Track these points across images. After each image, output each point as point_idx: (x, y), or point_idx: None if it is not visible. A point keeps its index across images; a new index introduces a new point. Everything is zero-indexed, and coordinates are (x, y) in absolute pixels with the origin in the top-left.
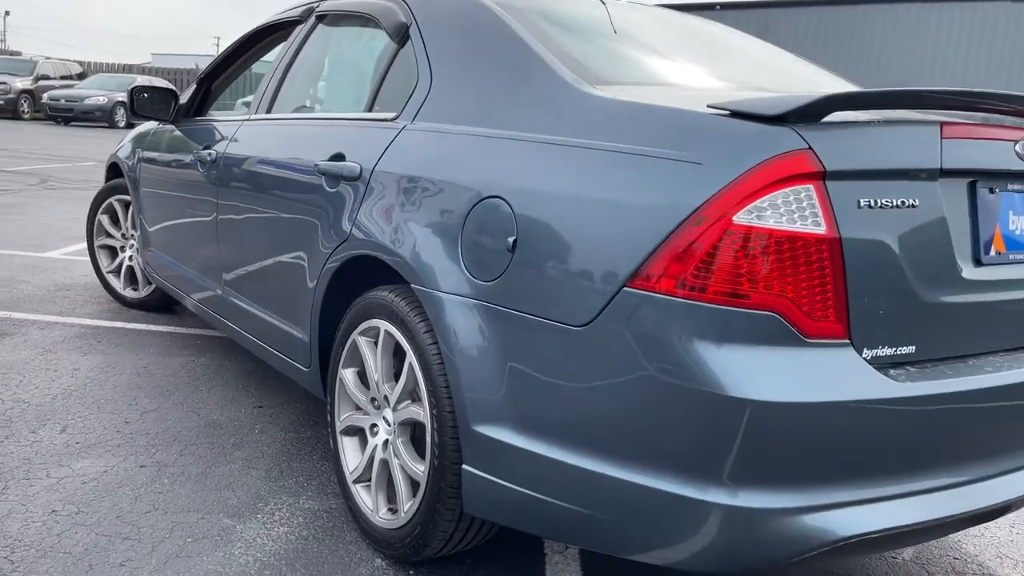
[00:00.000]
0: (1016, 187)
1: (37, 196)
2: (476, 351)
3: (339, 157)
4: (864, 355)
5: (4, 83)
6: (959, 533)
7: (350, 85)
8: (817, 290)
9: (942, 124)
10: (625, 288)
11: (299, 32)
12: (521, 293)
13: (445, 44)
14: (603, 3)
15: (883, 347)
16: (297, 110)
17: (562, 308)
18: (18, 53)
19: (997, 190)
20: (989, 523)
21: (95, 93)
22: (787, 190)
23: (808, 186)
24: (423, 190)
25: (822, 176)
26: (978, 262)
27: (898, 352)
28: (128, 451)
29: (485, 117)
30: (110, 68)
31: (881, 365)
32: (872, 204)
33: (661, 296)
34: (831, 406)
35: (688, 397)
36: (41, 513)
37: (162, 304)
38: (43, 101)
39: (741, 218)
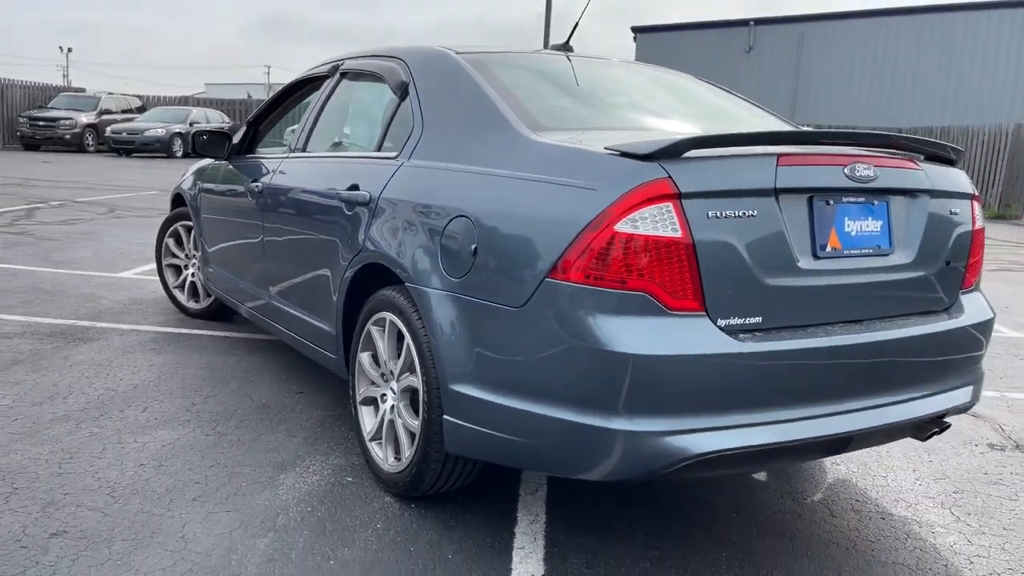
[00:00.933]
0: (850, 200)
1: (107, 224)
2: (450, 328)
3: (355, 187)
4: (719, 323)
5: (70, 118)
6: (866, 481)
7: (365, 129)
8: (677, 277)
9: (779, 155)
10: (546, 279)
11: (327, 85)
12: (480, 285)
13: (433, 98)
14: (569, 59)
15: (734, 318)
16: (325, 149)
17: (506, 294)
18: (82, 90)
19: (832, 202)
20: (898, 473)
21: (153, 126)
22: (653, 207)
23: (668, 204)
24: (414, 212)
25: (678, 196)
26: (816, 256)
27: (747, 321)
28: (195, 424)
29: (458, 155)
30: (167, 100)
31: (732, 331)
32: (719, 215)
33: (571, 284)
34: (689, 358)
35: (592, 354)
36: (132, 466)
37: (220, 313)
38: (106, 134)
39: (621, 227)
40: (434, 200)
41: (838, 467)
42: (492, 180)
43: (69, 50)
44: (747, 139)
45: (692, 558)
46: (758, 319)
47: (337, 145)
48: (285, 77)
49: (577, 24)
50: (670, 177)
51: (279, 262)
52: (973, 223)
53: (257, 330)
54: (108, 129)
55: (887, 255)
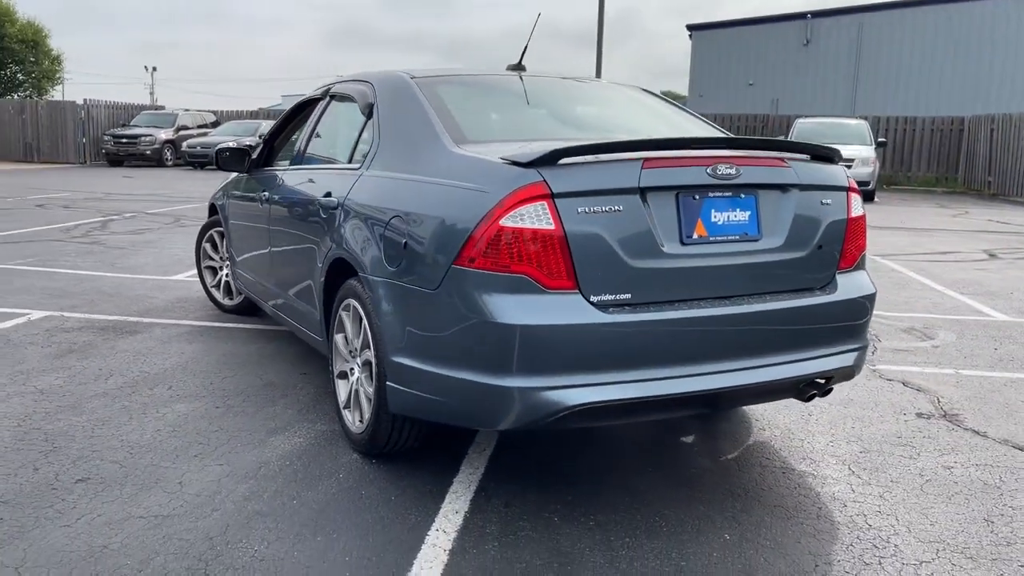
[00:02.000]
0: (715, 195)
1: (171, 233)
2: (390, 310)
3: (328, 194)
4: (591, 299)
5: (150, 135)
6: (783, 443)
7: (343, 143)
8: (552, 261)
9: (645, 159)
10: (452, 265)
11: (320, 106)
12: (409, 273)
13: (388, 117)
14: (520, 79)
15: (605, 295)
16: (314, 162)
17: (426, 279)
18: (162, 107)
19: (698, 197)
20: (816, 436)
21: (225, 139)
22: (530, 205)
23: (543, 202)
24: (366, 213)
25: (551, 196)
26: (683, 243)
27: (617, 298)
28: (210, 399)
29: (401, 165)
30: (241, 115)
31: (604, 305)
32: (587, 210)
33: (469, 269)
34: (564, 327)
35: (489, 326)
36: (151, 431)
37: (250, 309)
38: (183, 149)
39: (505, 222)
40: (380, 203)
41: (763, 431)
42: (420, 185)
43: (154, 69)
44: (618, 147)
45: (597, 502)
46: (628, 295)
47: (322, 158)
48: None
49: (527, 46)
50: (545, 180)
51: (281, 260)
52: (848, 212)
53: (278, 322)
54: (184, 144)
55: (756, 240)
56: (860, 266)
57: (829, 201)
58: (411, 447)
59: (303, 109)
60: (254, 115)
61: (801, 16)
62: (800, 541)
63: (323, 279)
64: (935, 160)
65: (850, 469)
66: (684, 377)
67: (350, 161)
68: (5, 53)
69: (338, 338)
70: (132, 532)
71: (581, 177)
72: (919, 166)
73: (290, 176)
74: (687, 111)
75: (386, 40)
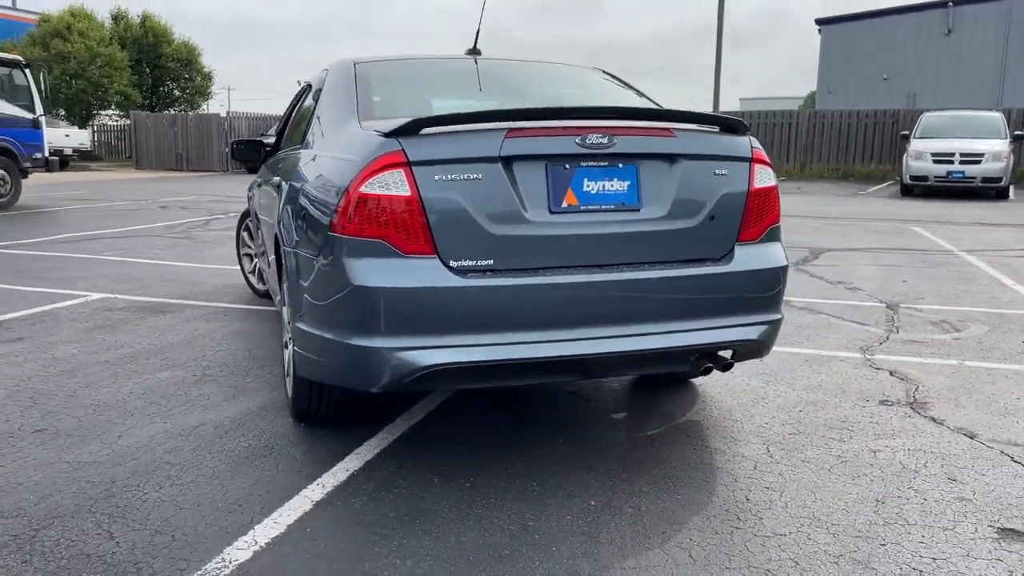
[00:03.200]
0: (587, 164)
1: None
2: (294, 278)
3: (278, 175)
4: (450, 264)
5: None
6: (714, 423)
7: (302, 129)
8: (408, 227)
9: (508, 129)
10: (328, 233)
11: (304, 96)
12: (304, 242)
13: (326, 100)
14: (476, 63)
15: (465, 260)
16: (287, 148)
17: (313, 247)
18: None
19: (569, 166)
20: (754, 418)
21: None
22: (387, 173)
23: (400, 170)
24: (291, 187)
25: (408, 164)
26: (551, 211)
27: (478, 264)
28: (192, 368)
29: (322, 144)
30: None
31: (463, 271)
32: (445, 178)
33: (338, 235)
34: (420, 290)
35: (353, 290)
36: (123, 393)
37: None
38: None
39: (364, 189)
40: (296, 179)
41: (701, 411)
42: (323, 160)
43: (299, 83)
44: (482, 116)
45: (487, 467)
46: (489, 262)
47: (291, 144)
48: None
49: (479, 31)
50: (402, 149)
51: (265, 239)
52: (750, 183)
53: None
54: None
55: (636, 210)
56: (771, 239)
57: (725, 172)
58: (330, 411)
59: (298, 99)
60: None
61: (942, 4)
62: (664, 511)
63: (274, 257)
64: None
65: (768, 449)
66: (547, 342)
67: (301, 144)
68: (162, 71)
69: (284, 310)
70: (50, 474)
71: (441, 146)
72: None
73: (271, 164)
74: (637, 90)
75: (532, 48)
